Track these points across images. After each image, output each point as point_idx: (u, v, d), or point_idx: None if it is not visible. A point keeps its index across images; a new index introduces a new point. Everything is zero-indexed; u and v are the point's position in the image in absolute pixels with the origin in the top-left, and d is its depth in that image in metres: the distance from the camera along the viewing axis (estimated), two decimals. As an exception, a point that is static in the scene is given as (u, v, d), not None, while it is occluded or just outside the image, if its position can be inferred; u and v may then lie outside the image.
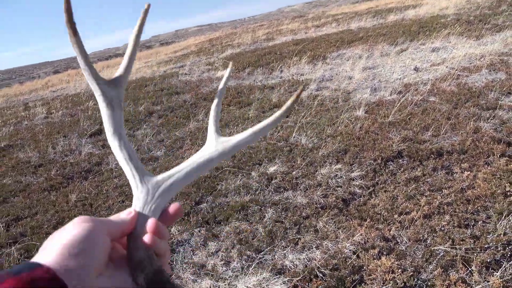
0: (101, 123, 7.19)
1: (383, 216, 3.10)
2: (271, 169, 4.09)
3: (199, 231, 3.35)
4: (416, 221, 2.95)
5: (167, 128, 6.37)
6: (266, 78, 8.69)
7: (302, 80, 7.71)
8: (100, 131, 6.84)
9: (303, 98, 6.54)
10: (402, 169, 3.75)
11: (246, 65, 10.17)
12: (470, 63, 6.65)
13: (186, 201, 3.79)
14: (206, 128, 5.87)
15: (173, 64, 14.07)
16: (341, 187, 3.62)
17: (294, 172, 3.99)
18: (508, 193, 3.06)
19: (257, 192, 3.78)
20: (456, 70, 6.36)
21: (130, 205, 0.60)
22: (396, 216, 3.07)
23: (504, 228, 2.65)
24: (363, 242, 2.81)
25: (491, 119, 4.35)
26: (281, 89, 7.31)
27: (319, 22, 18.20)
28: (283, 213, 3.38)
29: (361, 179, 3.69)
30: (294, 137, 4.86)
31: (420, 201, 3.18)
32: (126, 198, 4.09)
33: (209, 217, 3.51)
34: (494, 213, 2.87)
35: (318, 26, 16.47)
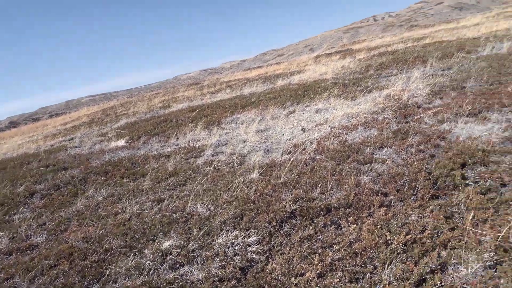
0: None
1: (280, 281, 3.07)
2: (166, 244, 3.86)
3: (83, 328, 2.93)
4: (311, 281, 2.98)
5: (50, 209, 5.74)
6: (162, 147, 8.55)
7: (198, 147, 7.73)
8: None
9: (200, 165, 6.51)
10: (296, 228, 3.83)
11: (141, 134, 9.94)
12: (348, 122, 7.37)
13: (68, 294, 3.34)
14: (96, 205, 5.40)
15: (62, 137, 13.16)
16: (238, 255, 3.54)
17: (190, 245, 3.82)
18: (389, 242, 3.28)
19: (151, 272, 3.50)
20: (337, 128, 6.98)
21: None
22: (292, 279, 3.07)
23: (388, 277, 2.80)
24: (261, 313, 2.72)
25: (369, 172, 4.76)
26: (177, 156, 7.21)
27: (214, 88, 18.91)
28: (179, 293, 3.15)
29: (257, 244, 3.66)
30: (190, 206, 4.72)
31: (314, 260, 3.24)
32: None
33: (95, 309, 3.11)
34: (379, 263, 3.03)
35: (213, 93, 17.07)
